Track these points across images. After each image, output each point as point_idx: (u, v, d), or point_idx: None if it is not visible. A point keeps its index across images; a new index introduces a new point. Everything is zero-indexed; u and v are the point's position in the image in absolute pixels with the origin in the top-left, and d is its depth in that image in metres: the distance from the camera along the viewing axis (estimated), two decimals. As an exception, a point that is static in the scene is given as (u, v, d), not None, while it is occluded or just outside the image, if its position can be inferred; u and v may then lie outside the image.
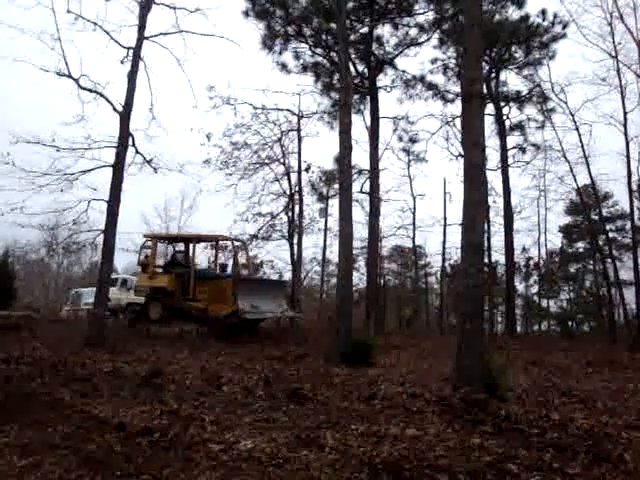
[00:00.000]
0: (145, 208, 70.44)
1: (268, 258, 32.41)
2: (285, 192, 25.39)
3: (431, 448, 4.81)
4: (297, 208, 23.61)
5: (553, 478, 4.23)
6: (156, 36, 14.26)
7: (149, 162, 14.63)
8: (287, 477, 4.22)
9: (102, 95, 13.55)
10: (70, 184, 13.56)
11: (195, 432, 5.25)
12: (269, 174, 24.98)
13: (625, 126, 24.13)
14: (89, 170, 13.71)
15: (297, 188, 23.40)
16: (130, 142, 13.60)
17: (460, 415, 5.79)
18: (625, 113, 24.17)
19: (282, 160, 25.41)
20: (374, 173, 19.55)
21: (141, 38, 13.61)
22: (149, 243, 16.76)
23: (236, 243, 17.85)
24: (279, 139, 25.27)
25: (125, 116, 13.18)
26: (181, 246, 17.69)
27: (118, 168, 12.91)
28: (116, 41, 13.82)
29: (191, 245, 16.51)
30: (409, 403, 6.23)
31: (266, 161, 25.06)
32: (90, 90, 13.56)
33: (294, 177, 24.22)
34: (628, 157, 23.67)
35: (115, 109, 13.32)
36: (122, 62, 13.84)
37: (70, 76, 13.41)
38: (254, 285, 15.86)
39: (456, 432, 5.30)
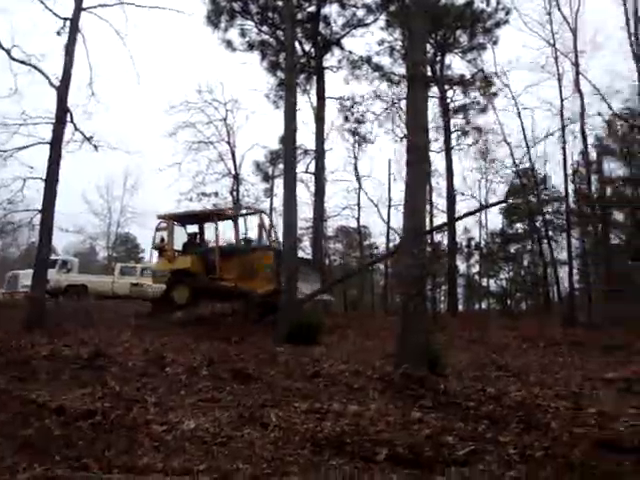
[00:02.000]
0: (86, 187, 68.26)
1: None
2: (230, 172, 25.17)
3: (373, 423, 4.94)
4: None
5: (486, 447, 4.43)
6: (95, 7, 13.73)
7: (89, 139, 14.16)
8: (230, 455, 4.25)
9: (36, 68, 13.00)
10: (4, 161, 13.00)
11: (138, 413, 5.20)
12: (213, 153, 24.67)
13: (561, 112, 24.98)
14: (24, 147, 13.17)
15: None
16: (68, 118, 13.11)
17: (401, 391, 5.96)
18: (562, 100, 25.02)
19: (227, 139, 25.14)
20: (320, 153, 19.58)
21: (79, 8, 13.06)
22: (164, 224, 15.35)
23: (263, 215, 16.33)
24: (224, 118, 24.97)
25: (62, 91, 12.68)
26: (194, 227, 16.31)
27: (55, 145, 12.44)
28: (51, 11, 13.24)
29: (208, 224, 15.40)
30: (352, 380, 6.36)
31: (211, 140, 24.74)
32: (23, 62, 12.97)
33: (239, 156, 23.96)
34: (564, 142, 24.57)
35: (51, 83, 12.80)
36: (59, 34, 13.27)
37: (0, 46, 12.78)
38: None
39: (397, 407, 5.46)
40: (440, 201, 26.80)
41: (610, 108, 24.00)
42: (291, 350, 8.75)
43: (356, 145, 28.74)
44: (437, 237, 27.31)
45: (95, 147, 14.41)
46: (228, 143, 25.30)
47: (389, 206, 28.91)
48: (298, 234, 15.94)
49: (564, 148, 24.17)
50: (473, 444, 4.48)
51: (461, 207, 29.05)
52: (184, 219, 16.04)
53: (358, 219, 30.97)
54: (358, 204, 30.28)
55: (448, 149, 24.02)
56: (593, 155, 30.21)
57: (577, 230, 26.86)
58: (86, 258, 44.82)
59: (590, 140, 29.28)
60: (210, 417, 5.13)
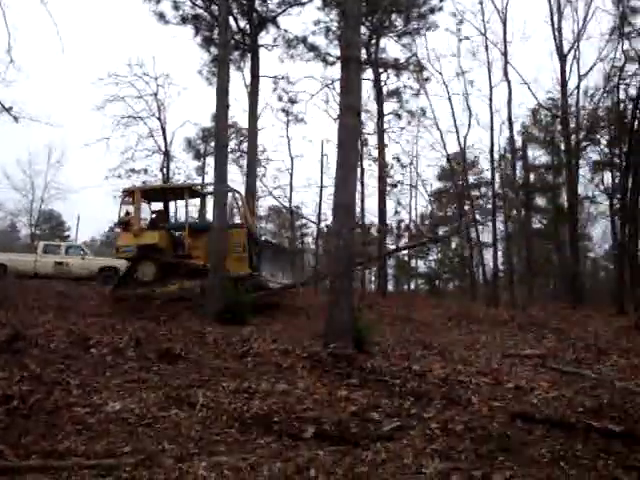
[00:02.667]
0: (6, 161, 64.81)
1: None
2: (160, 148, 24.53)
3: (300, 401, 5.01)
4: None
5: (411, 422, 4.58)
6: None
7: (8, 110, 13.41)
8: (156, 436, 4.20)
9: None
10: None
11: (59, 396, 5.04)
12: (143, 129, 23.96)
13: (490, 99, 25.78)
14: None
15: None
16: (-16, 86, 12.37)
17: (329, 370, 6.06)
18: (491, 88, 25.81)
19: (158, 115, 24.44)
20: (252, 132, 19.33)
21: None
22: (128, 198, 14.55)
23: (236, 194, 15.37)
24: (155, 93, 24.23)
25: (-23, 57, 11.91)
26: (159, 204, 15.39)
27: (-30, 115, 11.71)
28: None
29: (175, 201, 14.86)
30: (281, 359, 6.41)
31: (141, 115, 23.98)
32: None
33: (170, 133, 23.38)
34: (492, 129, 25.39)
35: (-36, 48, 11.99)
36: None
37: None
38: (269, 248, 14.23)
39: (325, 385, 5.55)
40: (372, 182, 27.17)
41: (535, 98, 24.91)
42: (220, 330, 8.68)
43: (289, 125, 28.61)
44: (368, 219, 27.66)
45: (15, 118, 13.67)
46: (159, 119, 24.61)
47: (321, 187, 29.02)
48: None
49: (492, 134, 25.00)
50: (398, 420, 4.63)
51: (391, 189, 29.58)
52: (151, 193, 15.34)
53: (290, 199, 30.90)
54: (290, 184, 30.20)
55: (381, 132, 24.28)
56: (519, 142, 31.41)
57: (502, 214, 27.91)
58: (6, 236, 42.68)
59: (517, 127, 30.49)
60: (136, 398, 5.05)
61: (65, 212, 47.55)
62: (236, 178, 27.73)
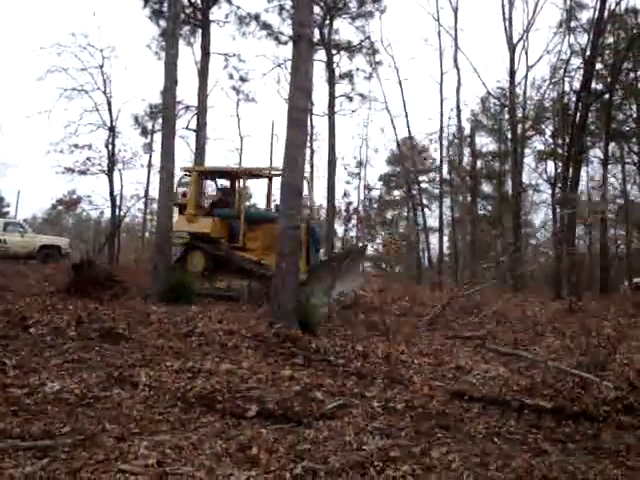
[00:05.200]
0: None
1: (85, 193, 30.55)
2: (105, 124, 23.80)
3: (244, 381, 5.02)
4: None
5: (353, 401, 4.68)
6: None
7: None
8: (97, 416, 4.14)
9: None
10: None
11: (-6, 377, 4.88)
12: (88, 103, 23.19)
13: (441, 85, 26.17)
14: None
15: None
16: None
17: (274, 349, 6.09)
18: (442, 74, 26.18)
19: (103, 89, 23.67)
20: (202, 110, 18.99)
21: None
22: (187, 179, 13.16)
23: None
24: (100, 65, 23.44)
25: None
26: (225, 183, 13.93)
27: None
28: None
29: (240, 182, 13.08)
30: (225, 339, 6.39)
31: (85, 88, 23.18)
32: None
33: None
34: (441, 114, 25.84)
35: None
36: None
37: None
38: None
39: (269, 365, 5.58)
40: (321, 164, 27.23)
41: (484, 86, 25.44)
42: (165, 309, 8.57)
43: (239, 104, 28.29)
44: (316, 201, 27.76)
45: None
46: (104, 93, 23.78)
47: (270, 167, 28.87)
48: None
49: (441, 119, 25.40)
50: (341, 399, 4.71)
51: (340, 172, 29.72)
52: (212, 175, 13.88)
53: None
54: (240, 164, 29.90)
55: (331, 114, 24.29)
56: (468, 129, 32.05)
57: (449, 199, 28.47)
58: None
59: (467, 115, 31.08)
60: (76, 378, 4.95)
61: (5, 188, 45.61)
62: (185, 157, 27.27)
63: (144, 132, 26.99)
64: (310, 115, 26.80)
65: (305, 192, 12.74)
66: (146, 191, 29.82)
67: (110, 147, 24.00)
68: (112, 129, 23.68)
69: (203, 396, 4.58)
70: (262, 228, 11.88)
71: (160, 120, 23.49)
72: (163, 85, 11.19)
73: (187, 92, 41.43)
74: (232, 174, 13.75)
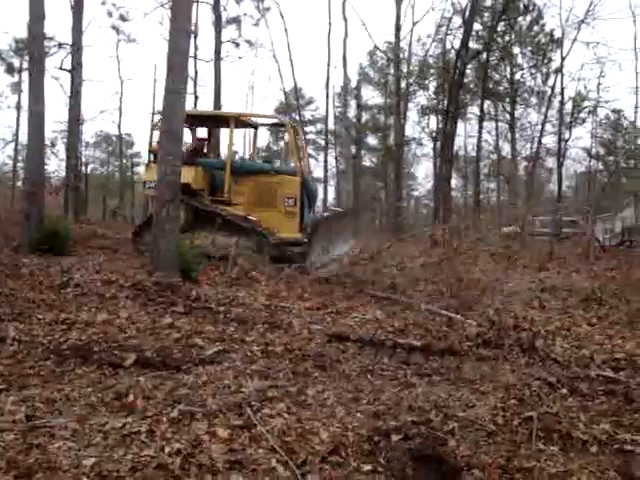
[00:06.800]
0: None
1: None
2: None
3: (122, 330, 4.91)
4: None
5: (233, 347, 4.75)
6: None
7: None
8: (-43, 375, 3.89)
9: None
10: None
11: None
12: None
13: (329, 36, 26.10)
14: None
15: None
16: None
17: (153, 298, 5.98)
18: (330, 24, 26.08)
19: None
20: (77, 48, 17.62)
21: None
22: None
23: (296, 128, 12.01)
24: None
25: None
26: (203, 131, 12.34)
27: None
28: None
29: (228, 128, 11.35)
30: (103, 290, 6.17)
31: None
32: None
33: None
34: (328, 65, 25.85)
35: None
36: None
37: None
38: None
39: (148, 314, 5.48)
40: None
41: (372, 39, 25.70)
42: (38, 261, 8.08)
43: (119, 45, 26.58)
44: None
45: None
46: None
47: (153, 113, 27.60)
48: (51, 137, 14.39)
49: (328, 70, 25.45)
50: (221, 344, 4.76)
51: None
52: (192, 119, 11.90)
53: (119, 125, 29.02)
54: (120, 109, 28.32)
55: (217, 59, 23.48)
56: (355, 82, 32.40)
57: (334, 150, 28.92)
58: None
59: (355, 68, 31.37)
60: None
61: None
62: (59, 99, 25.36)
63: (10, 70, 24.66)
64: (195, 60, 25.81)
65: (300, 141, 12.08)
66: (16, 135, 27.51)
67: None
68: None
69: (78, 348, 4.43)
70: (250, 180, 10.89)
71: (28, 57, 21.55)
72: (29, 17, 10.21)
73: (60, 28, 38.13)
74: (220, 119, 12.53)
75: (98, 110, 29.22)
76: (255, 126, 12.50)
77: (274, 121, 14.81)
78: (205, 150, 12.24)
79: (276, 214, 10.50)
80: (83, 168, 28.01)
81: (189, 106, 18.68)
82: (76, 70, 17.65)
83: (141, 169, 38.48)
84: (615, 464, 2.97)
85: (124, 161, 34.38)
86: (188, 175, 10.27)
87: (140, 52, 64.84)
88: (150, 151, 11.33)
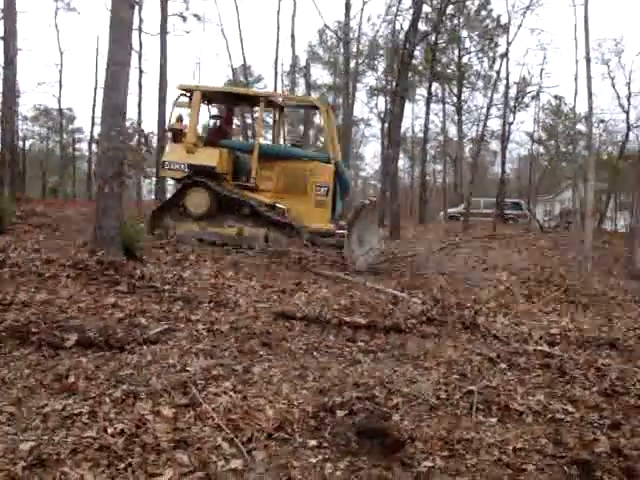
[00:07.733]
0: None
1: None
2: None
3: (63, 311, 4.76)
4: None
5: (179, 325, 4.69)
6: None
7: None
8: None
9: None
10: None
11: None
12: None
13: (278, 13, 25.74)
14: None
15: None
16: None
17: (96, 277, 5.82)
18: (279, 0, 25.70)
19: None
20: (10, 15, 16.67)
21: None
22: (184, 99, 10.56)
23: (329, 110, 11.12)
24: None
25: None
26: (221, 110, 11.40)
27: None
28: None
29: (254, 109, 10.63)
30: (43, 269, 5.94)
31: None
32: None
33: None
34: (277, 42, 25.56)
35: None
36: None
37: None
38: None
39: (90, 294, 5.34)
40: (153, 86, 25.74)
41: (321, 17, 25.49)
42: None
43: (58, 13, 25.44)
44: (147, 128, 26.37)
45: None
46: None
47: (95, 87, 26.66)
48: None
49: (277, 47, 25.15)
50: (166, 323, 4.69)
51: (172, 91, 28.43)
52: (216, 97, 11.21)
53: (59, 99, 27.89)
54: (60, 81, 27.18)
55: (163, 32, 22.77)
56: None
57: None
58: None
59: (305, 47, 31.09)
60: None
61: None
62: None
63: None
64: (139, 33, 24.99)
65: (322, 123, 11.47)
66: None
67: None
68: None
69: (15, 329, 4.26)
70: (277, 166, 10.22)
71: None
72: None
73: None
74: (246, 98, 11.85)
75: (36, 82, 27.90)
76: (282, 107, 11.92)
77: (308, 103, 14.42)
78: (227, 130, 11.47)
79: (305, 203, 9.98)
80: (20, 143, 26.85)
81: (134, 81, 18.04)
82: (9, 38, 16.71)
83: (84, 145, 37.23)
84: (547, 432, 3.13)
85: (65, 136, 33.09)
86: (212, 157, 9.99)
87: (81, 22, 62.32)
88: (170, 129, 10.81)
